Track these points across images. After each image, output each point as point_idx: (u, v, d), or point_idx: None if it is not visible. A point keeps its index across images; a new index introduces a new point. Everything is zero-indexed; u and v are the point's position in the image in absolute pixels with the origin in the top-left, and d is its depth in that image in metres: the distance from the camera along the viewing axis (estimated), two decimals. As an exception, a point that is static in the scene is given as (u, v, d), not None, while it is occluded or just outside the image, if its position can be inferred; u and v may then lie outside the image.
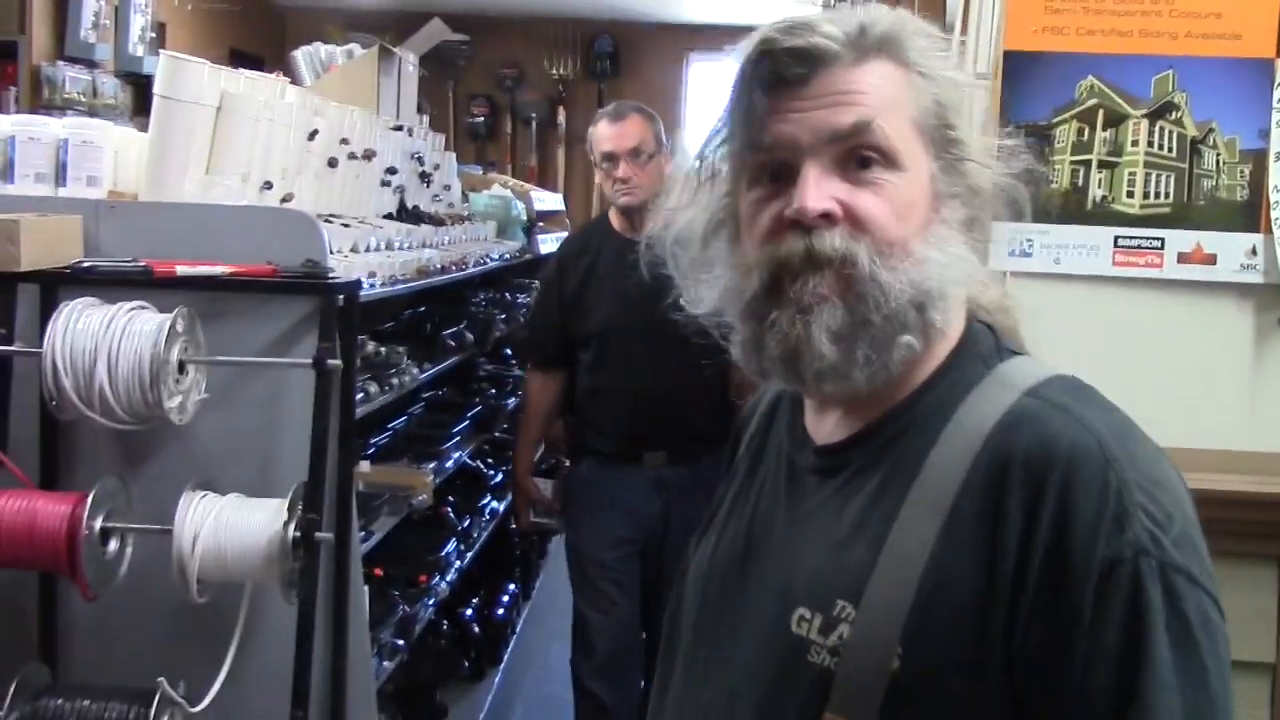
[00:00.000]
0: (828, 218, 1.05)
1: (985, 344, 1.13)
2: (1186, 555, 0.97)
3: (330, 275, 2.39)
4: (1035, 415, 1.03)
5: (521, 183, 6.01)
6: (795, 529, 1.15)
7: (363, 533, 2.90)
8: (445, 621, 4.08)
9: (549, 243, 5.67)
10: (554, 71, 8.34)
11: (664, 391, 3.53)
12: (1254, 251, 2.13)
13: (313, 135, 3.18)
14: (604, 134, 3.73)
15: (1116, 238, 2.14)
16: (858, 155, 1.07)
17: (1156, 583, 0.95)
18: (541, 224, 5.85)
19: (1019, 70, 2.14)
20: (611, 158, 3.68)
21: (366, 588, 2.74)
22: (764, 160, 1.10)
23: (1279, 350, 2.14)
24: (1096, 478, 0.98)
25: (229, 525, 2.17)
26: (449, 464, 3.73)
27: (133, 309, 2.12)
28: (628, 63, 8.42)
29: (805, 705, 1.05)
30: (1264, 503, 2.05)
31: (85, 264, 2.26)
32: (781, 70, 1.07)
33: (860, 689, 1.01)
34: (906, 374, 1.11)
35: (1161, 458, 1.03)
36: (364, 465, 3.33)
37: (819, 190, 1.05)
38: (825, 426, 1.17)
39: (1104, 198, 2.14)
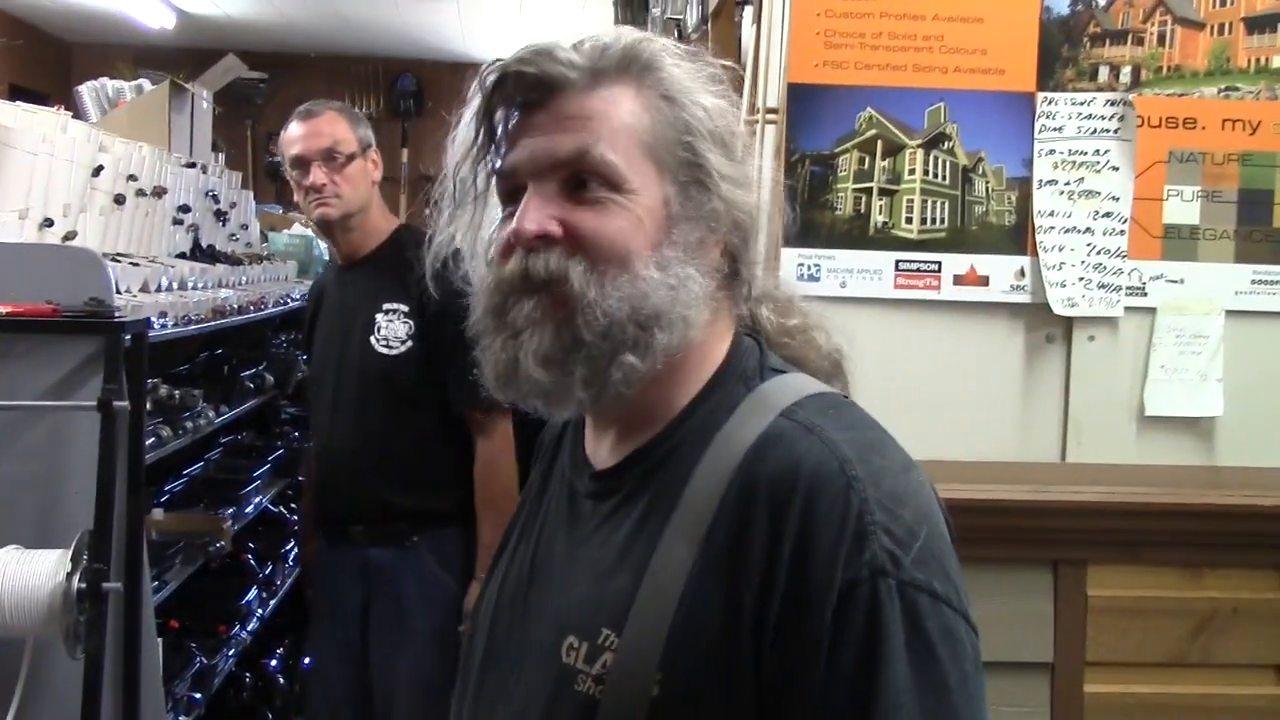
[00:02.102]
0: (546, 238, 1.06)
1: (750, 362, 1.14)
2: (929, 571, 0.98)
3: (116, 314, 2.30)
4: (783, 438, 1.04)
5: (323, 222, 5.90)
6: (571, 555, 1.15)
7: (156, 582, 2.79)
8: (248, 674, 3.94)
9: (353, 282, 5.57)
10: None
11: (343, 452, 2.95)
12: (1022, 273, 2.25)
13: (98, 171, 3.07)
14: (292, 136, 2.98)
15: (898, 262, 2.23)
16: (578, 177, 1.08)
17: (895, 602, 0.96)
18: (344, 263, 5.75)
19: (803, 102, 2.22)
20: (301, 163, 2.93)
21: (160, 640, 2.64)
22: (505, 186, 1.12)
23: (1047, 365, 2.27)
24: (837, 501, 0.98)
25: (7, 578, 2.06)
26: (249, 509, 3.61)
27: (-105, 351, 2.00)
28: (431, 101, 8.38)
29: None
30: (1038, 510, 2.16)
31: None
32: (517, 97, 1.09)
33: (623, 716, 1.02)
34: (673, 396, 1.12)
35: (909, 473, 1.04)
36: (157, 512, 3.21)
37: (536, 213, 1.07)
38: (602, 450, 1.17)
39: (885, 224, 2.23)
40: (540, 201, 1.07)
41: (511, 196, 1.11)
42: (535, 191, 1.08)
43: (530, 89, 1.09)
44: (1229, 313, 2.28)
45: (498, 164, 1.11)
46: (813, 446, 1.02)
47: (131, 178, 3.30)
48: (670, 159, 1.10)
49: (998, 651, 2.10)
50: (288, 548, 4.16)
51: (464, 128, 1.14)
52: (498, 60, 1.11)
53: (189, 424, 3.17)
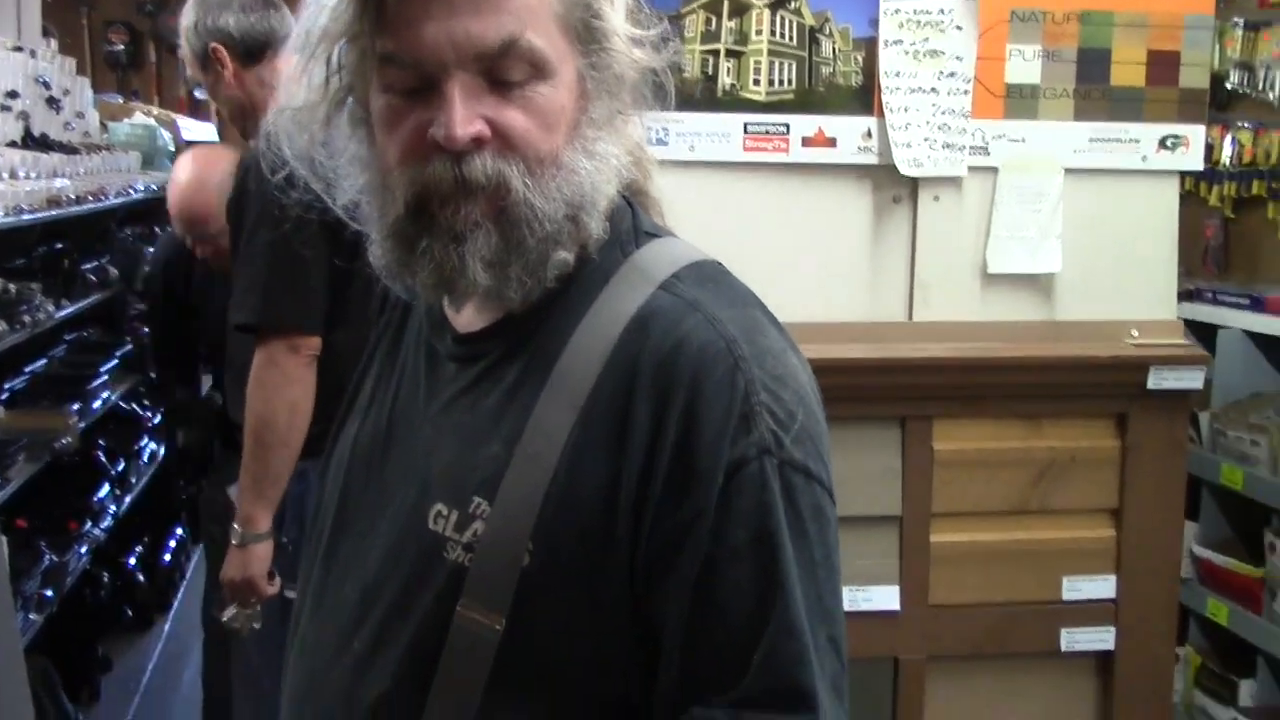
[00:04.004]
0: (477, 140, 0.99)
1: (624, 226, 1.11)
2: (804, 451, 1.00)
3: (-66, 198, 2.18)
4: (667, 313, 1.03)
5: (167, 112, 5.66)
6: (434, 419, 1.12)
7: (-2, 479, 2.69)
8: (106, 572, 3.85)
9: (202, 175, 5.37)
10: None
11: None
12: (869, 134, 2.26)
13: (-92, 50, 2.88)
14: None
15: (746, 124, 2.22)
16: (505, 68, 1.00)
17: (776, 479, 0.98)
18: (193, 155, 5.54)
19: (647, -39, 2.17)
20: None
21: (5, 537, 2.55)
22: (406, 75, 1.01)
23: (894, 226, 2.29)
24: (725, 380, 0.99)
25: None
26: (96, 405, 3.50)
27: None
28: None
29: (440, 600, 1.03)
30: (885, 368, 2.20)
31: None
32: None
33: (493, 584, 1.01)
34: None
35: (788, 352, 1.04)
36: (-3, 410, 3.09)
37: (467, 112, 0.98)
38: (464, 312, 1.13)
39: (733, 85, 2.21)
40: (466, 98, 0.99)
41: (407, 83, 1.01)
42: (459, 87, 0.99)
43: None
44: (1068, 171, 2.32)
45: (397, 53, 1.00)
46: (698, 324, 1.01)
47: (-51, 59, 3.11)
48: (580, 27, 1.05)
49: (849, 506, 2.13)
50: (142, 444, 4.05)
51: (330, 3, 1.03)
52: None
53: (27, 318, 3.04)
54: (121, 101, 5.41)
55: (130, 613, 3.94)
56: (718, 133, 2.21)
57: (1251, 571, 3.53)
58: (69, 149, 3.91)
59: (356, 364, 2.41)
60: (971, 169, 2.29)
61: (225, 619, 2.46)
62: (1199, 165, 2.41)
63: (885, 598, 2.24)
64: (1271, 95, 3.79)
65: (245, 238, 2.41)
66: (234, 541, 2.41)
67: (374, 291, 2.39)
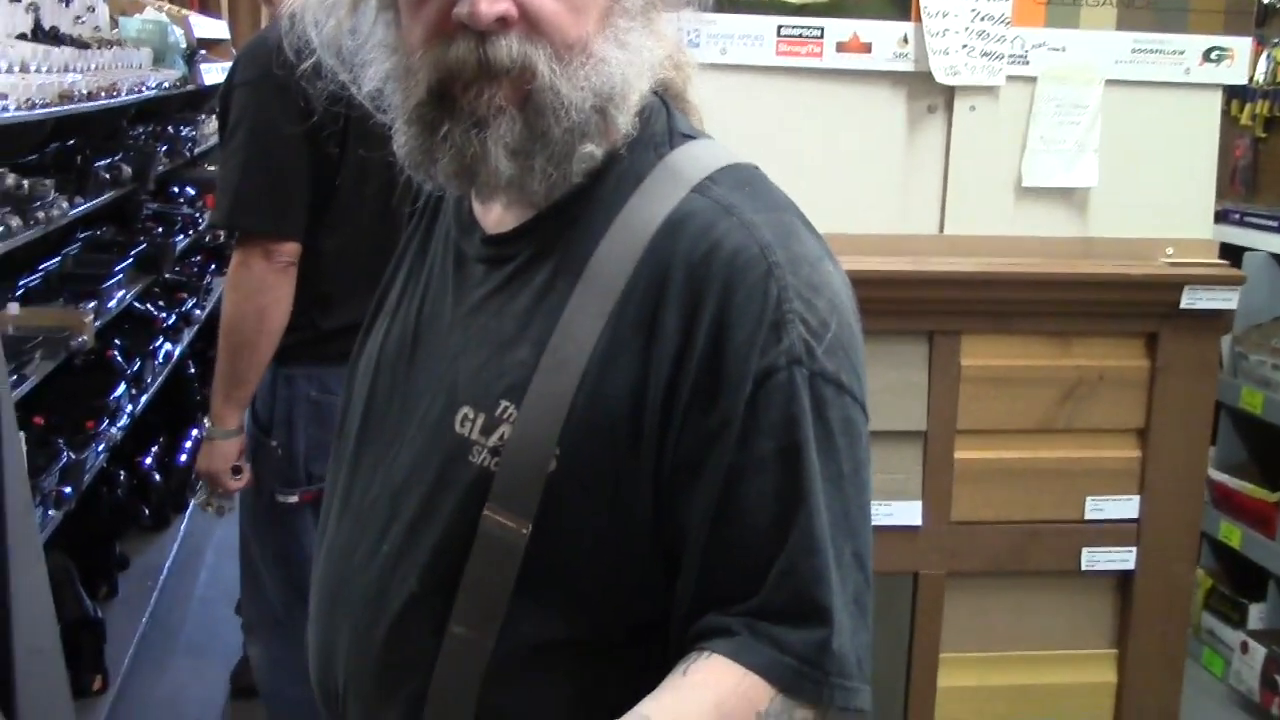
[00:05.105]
0: (503, 21, 0.97)
1: (658, 125, 1.08)
2: (837, 362, 0.98)
3: (-53, 90, 2.14)
4: (700, 216, 1.00)
5: (178, 8, 5.56)
6: (462, 322, 1.10)
7: (14, 377, 2.68)
8: (122, 471, 3.88)
9: (215, 73, 5.31)
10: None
11: None
12: (905, 40, 2.20)
13: (-82, -64, 2.81)
14: None
15: (779, 27, 2.16)
16: None
17: (806, 391, 0.96)
18: (204, 53, 5.47)
19: None
20: None
21: (22, 434, 2.55)
22: None
23: (930, 136, 2.24)
24: (758, 287, 0.97)
25: None
26: (112, 304, 3.49)
27: None
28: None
29: (466, 504, 1.03)
30: (916, 281, 2.17)
31: None
32: None
33: (519, 489, 1.00)
34: None
35: (824, 260, 1.02)
36: (13, 307, 3.08)
37: None
38: (493, 213, 1.11)
39: (767, -14, 2.15)
40: None
41: None
42: None
43: None
44: (1107, 82, 2.26)
45: None
46: (732, 229, 0.99)
47: (-41, -53, 3.04)
48: None
49: (874, 421, 2.12)
50: (157, 344, 4.05)
51: None
52: None
53: (40, 214, 3.01)
54: (133, -4, 5.30)
55: (147, 512, 3.98)
56: (750, 35, 2.15)
57: (1266, 496, 3.53)
58: (80, 43, 3.85)
59: (346, 271, 2.40)
60: (1009, 78, 2.23)
61: (195, 502, 2.58)
62: (1243, 79, 2.35)
63: (907, 513, 2.23)
64: (1311, 11, 3.71)
65: (227, 134, 2.37)
66: (204, 434, 2.47)
67: (362, 198, 2.37)
